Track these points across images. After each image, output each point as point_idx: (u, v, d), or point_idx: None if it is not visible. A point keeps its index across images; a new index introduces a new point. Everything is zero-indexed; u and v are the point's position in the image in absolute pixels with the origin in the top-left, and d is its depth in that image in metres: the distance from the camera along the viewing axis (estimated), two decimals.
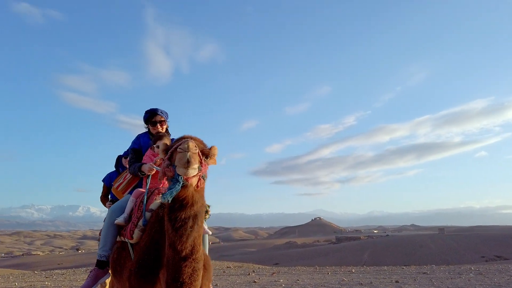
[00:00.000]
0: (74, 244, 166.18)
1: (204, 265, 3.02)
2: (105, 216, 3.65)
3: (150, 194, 3.56)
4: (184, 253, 2.63)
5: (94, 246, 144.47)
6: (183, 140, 2.65)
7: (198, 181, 2.66)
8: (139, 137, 4.25)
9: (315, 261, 44.82)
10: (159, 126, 4.21)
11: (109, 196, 5.68)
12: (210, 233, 5.18)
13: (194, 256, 2.68)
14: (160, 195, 3.42)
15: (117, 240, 3.32)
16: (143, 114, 4.29)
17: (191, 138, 2.76)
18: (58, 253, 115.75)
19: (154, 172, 3.75)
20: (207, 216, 4.21)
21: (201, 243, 2.79)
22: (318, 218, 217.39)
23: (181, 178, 2.53)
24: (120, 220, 3.34)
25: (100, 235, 3.83)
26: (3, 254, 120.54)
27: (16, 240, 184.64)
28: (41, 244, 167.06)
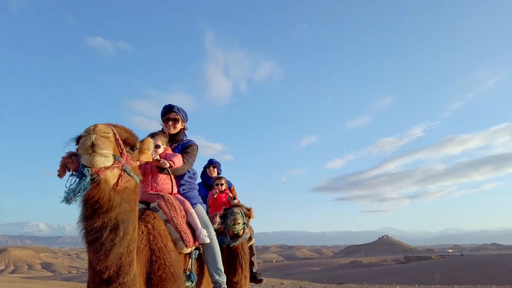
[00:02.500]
0: None
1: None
2: None
3: None
4: (106, 275, 2.01)
5: None
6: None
7: (119, 177, 2.01)
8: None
9: (381, 281, 43.18)
10: (170, 124, 3.81)
11: None
12: (253, 241, 5.35)
13: (121, 280, 2.05)
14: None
15: None
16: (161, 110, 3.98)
17: (110, 124, 2.09)
18: None
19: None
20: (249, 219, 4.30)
21: (133, 261, 2.14)
22: (385, 237, 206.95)
23: (87, 170, 1.87)
24: None
25: None
26: (83, 270, 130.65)
27: None
28: None
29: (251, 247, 5.44)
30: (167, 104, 3.91)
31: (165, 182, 3.40)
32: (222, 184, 5.64)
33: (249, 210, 4.50)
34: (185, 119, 3.97)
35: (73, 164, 1.93)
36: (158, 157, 3.23)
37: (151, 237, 2.71)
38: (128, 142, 2.12)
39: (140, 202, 3.03)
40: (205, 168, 6.28)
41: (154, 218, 2.87)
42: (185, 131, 4.04)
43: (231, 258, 4.14)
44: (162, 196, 3.15)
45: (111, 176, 1.98)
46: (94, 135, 1.89)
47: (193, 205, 3.55)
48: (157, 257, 2.63)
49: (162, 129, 3.83)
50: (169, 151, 3.67)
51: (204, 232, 3.32)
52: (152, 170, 3.41)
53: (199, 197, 3.86)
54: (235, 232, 4.09)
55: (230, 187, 6.11)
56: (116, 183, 2.01)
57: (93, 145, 1.88)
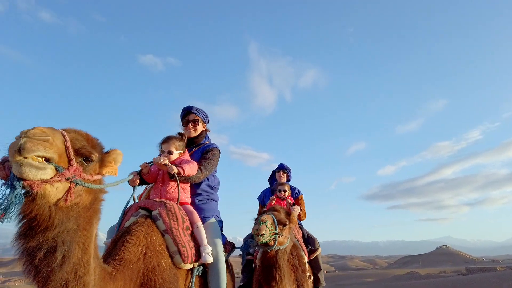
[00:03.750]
0: None
1: None
2: None
3: (129, 208, 2.96)
4: None
5: None
6: None
7: (67, 192, 1.66)
8: None
9: None
10: (190, 126, 3.62)
11: None
12: (318, 252, 4.90)
13: None
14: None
15: None
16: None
17: (66, 129, 1.76)
18: None
19: (137, 182, 3.05)
20: (289, 225, 3.70)
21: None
22: (444, 246, 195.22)
23: (18, 182, 1.51)
24: (108, 241, 2.82)
25: None
26: None
27: None
28: None
29: (316, 260, 5.02)
30: (185, 106, 3.71)
31: (176, 191, 3.15)
32: (285, 191, 5.20)
33: (289, 215, 3.85)
34: (206, 121, 3.75)
35: (3, 171, 1.58)
36: (166, 161, 3.01)
37: (149, 252, 2.49)
38: (82, 152, 1.77)
39: (143, 208, 2.89)
40: (274, 172, 5.89)
41: (152, 230, 2.65)
42: (208, 134, 3.83)
43: (265, 269, 3.66)
44: (164, 204, 2.87)
45: (53, 191, 1.62)
46: (24, 138, 1.49)
47: (205, 218, 3.26)
48: (148, 277, 2.39)
49: (179, 132, 3.55)
50: (186, 156, 3.42)
51: (209, 249, 2.96)
52: (163, 177, 3.21)
53: (218, 210, 3.57)
54: (260, 243, 3.50)
55: (298, 195, 5.60)
56: (64, 199, 1.67)
57: (20, 150, 1.48)
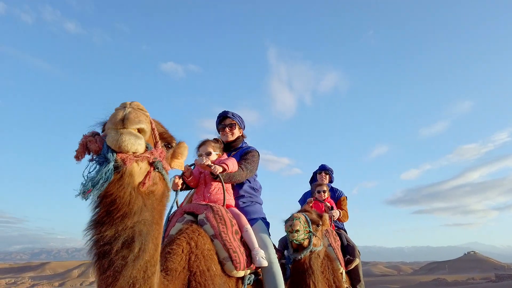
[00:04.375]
0: None
1: None
2: None
3: (173, 214, 2.84)
4: None
5: None
6: None
7: (146, 175, 1.59)
8: None
9: None
10: (227, 130, 3.56)
11: None
12: (357, 262, 4.36)
13: None
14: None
15: None
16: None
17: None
18: None
19: (180, 186, 2.94)
20: (322, 228, 3.52)
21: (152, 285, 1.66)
22: (472, 252, 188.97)
23: (112, 154, 1.46)
24: None
25: None
26: None
27: None
28: None
29: (356, 271, 4.59)
30: (220, 112, 3.66)
31: (219, 192, 3.07)
32: (324, 191, 4.93)
33: (320, 217, 3.63)
34: (242, 125, 3.69)
35: (95, 144, 1.49)
36: (209, 162, 2.90)
37: (193, 257, 2.30)
38: (164, 137, 1.77)
39: (188, 213, 2.77)
40: (315, 174, 5.62)
41: (198, 234, 2.46)
42: (244, 139, 3.74)
43: (297, 275, 3.39)
44: (211, 207, 2.73)
45: (138, 171, 1.56)
46: (129, 109, 1.48)
47: (252, 220, 3.11)
48: (197, 282, 2.19)
49: (215, 138, 3.51)
50: (225, 157, 3.36)
51: (262, 253, 2.77)
52: (205, 179, 3.14)
53: (263, 213, 3.43)
54: (295, 242, 3.32)
55: (340, 197, 5.33)
56: (142, 182, 1.58)
57: (124, 120, 1.46)
